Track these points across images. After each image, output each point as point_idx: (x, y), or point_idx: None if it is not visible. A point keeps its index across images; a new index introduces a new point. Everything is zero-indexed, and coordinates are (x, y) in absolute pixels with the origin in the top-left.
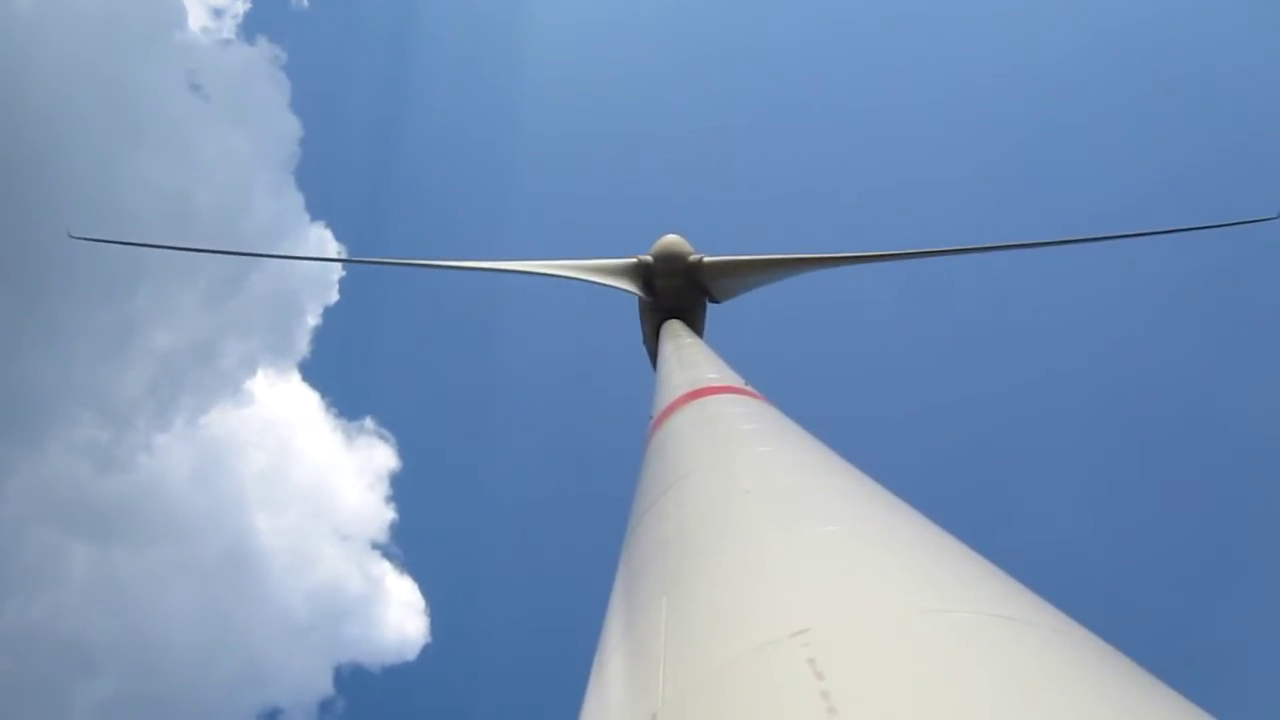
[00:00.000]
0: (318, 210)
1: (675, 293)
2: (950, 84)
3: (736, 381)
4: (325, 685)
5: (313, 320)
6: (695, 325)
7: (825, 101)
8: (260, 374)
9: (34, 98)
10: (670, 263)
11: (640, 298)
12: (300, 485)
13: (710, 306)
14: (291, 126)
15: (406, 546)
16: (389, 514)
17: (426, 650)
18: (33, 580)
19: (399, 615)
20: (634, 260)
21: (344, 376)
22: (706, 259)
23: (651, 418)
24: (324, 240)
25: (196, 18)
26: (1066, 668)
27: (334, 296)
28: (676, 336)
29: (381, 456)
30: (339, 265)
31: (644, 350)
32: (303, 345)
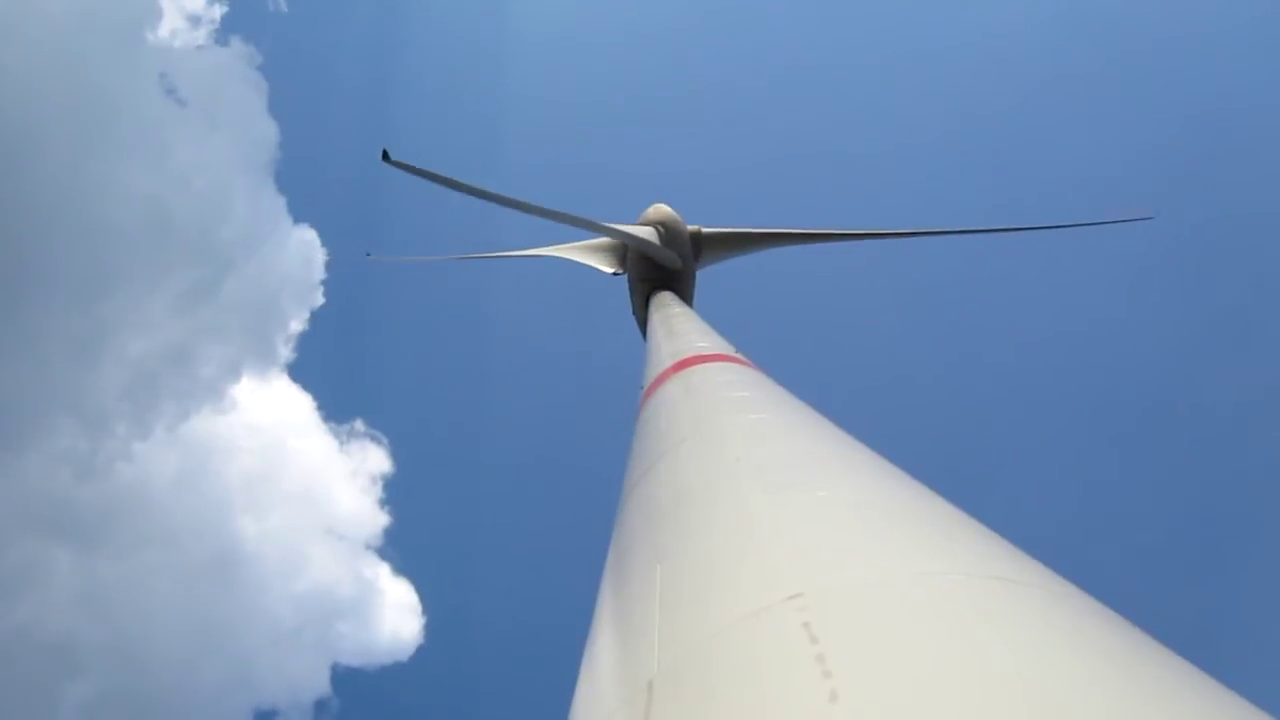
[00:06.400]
0: (300, 213)
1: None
2: (942, 54)
3: (726, 349)
4: (322, 685)
5: (297, 325)
6: (684, 295)
7: (808, 72)
8: (246, 379)
9: (5, 102)
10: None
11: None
12: (293, 489)
13: (700, 275)
14: (270, 129)
15: (401, 547)
16: (383, 516)
17: (422, 649)
18: (28, 586)
19: (394, 615)
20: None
21: (332, 379)
22: (705, 230)
23: (643, 388)
24: (308, 243)
25: (171, 21)
26: (1063, 628)
27: (319, 299)
28: (666, 307)
29: (374, 458)
30: (321, 269)
31: (634, 322)
32: (288, 349)
